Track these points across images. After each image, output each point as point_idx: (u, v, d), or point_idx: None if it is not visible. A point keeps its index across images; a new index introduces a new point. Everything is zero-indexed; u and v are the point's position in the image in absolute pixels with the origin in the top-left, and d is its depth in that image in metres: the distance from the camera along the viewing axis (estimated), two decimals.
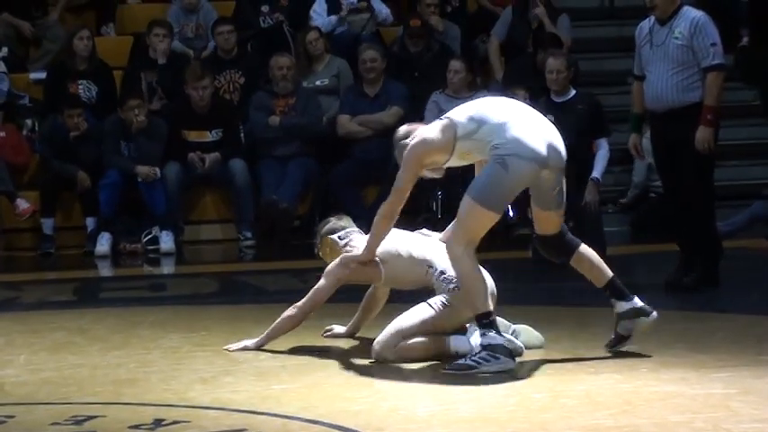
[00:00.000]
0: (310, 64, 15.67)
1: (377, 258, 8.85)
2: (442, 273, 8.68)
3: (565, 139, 13.16)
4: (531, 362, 8.39)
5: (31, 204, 14.78)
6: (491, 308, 8.23)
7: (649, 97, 10.95)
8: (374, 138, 14.68)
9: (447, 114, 8.39)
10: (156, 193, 14.57)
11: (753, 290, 11.47)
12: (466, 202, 8.19)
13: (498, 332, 8.20)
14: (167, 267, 14.21)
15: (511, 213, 14.60)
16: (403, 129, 8.67)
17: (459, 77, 14.77)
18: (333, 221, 9.28)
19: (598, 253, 13.12)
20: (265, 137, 15.21)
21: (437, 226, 14.08)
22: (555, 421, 6.93)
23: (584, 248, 8.66)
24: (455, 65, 14.93)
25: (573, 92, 13.12)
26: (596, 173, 13.08)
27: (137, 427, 7.05)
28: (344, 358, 8.72)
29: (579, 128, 13.00)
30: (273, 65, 15.27)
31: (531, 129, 8.24)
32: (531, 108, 8.61)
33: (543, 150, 8.17)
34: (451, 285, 8.62)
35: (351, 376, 8.31)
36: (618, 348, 8.45)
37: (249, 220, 14.91)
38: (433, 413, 7.24)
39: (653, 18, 10.84)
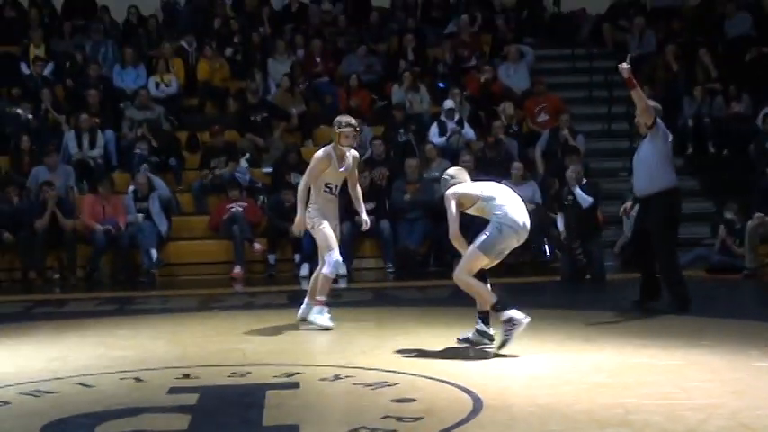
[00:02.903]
0: (428, 164, 15.55)
1: None
2: None
3: (579, 211, 12.86)
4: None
5: (262, 246, 14.85)
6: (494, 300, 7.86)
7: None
8: None
9: (475, 186, 8.12)
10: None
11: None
12: (471, 249, 7.92)
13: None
14: (342, 284, 13.59)
15: (548, 253, 14.72)
16: (452, 171, 8.35)
17: (518, 173, 14.88)
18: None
19: (598, 277, 12.99)
20: (401, 207, 15.09)
21: None
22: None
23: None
24: (516, 165, 15.04)
25: (584, 181, 13.31)
26: (576, 191, 12.98)
27: (323, 379, 7.09)
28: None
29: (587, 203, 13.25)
30: (407, 165, 15.34)
31: (517, 210, 7.96)
32: (514, 193, 8.20)
33: (522, 225, 7.92)
34: None
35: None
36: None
37: (391, 257, 14.83)
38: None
39: None
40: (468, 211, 8.15)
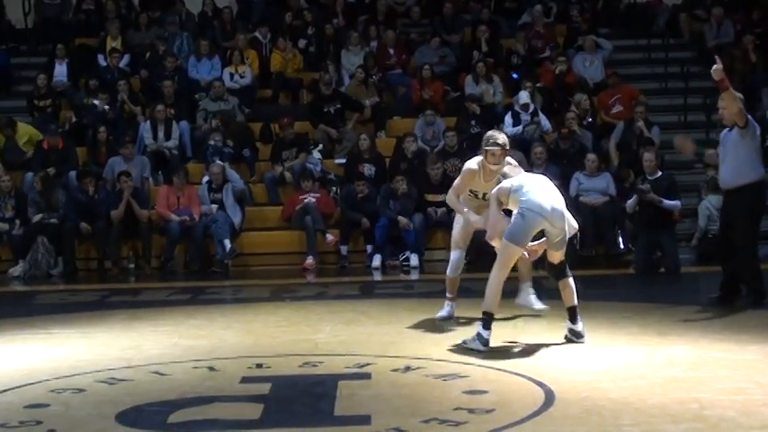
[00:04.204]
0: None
1: None
2: None
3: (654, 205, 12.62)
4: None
5: (335, 237, 14.80)
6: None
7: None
8: None
9: (511, 180, 8.09)
10: (410, 231, 14.48)
11: None
12: (503, 243, 7.85)
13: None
14: (414, 275, 13.89)
15: (622, 246, 14.51)
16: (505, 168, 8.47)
17: (592, 164, 14.76)
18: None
19: (672, 270, 12.97)
20: None
21: None
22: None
23: (569, 280, 8.05)
24: (590, 156, 14.93)
25: (660, 173, 13.22)
26: (665, 203, 12.90)
27: (395, 370, 7.14)
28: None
29: (663, 195, 13.13)
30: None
31: (543, 194, 7.80)
32: (548, 181, 8.07)
33: (548, 209, 7.74)
34: None
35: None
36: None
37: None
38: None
39: None
40: (509, 207, 8.07)
